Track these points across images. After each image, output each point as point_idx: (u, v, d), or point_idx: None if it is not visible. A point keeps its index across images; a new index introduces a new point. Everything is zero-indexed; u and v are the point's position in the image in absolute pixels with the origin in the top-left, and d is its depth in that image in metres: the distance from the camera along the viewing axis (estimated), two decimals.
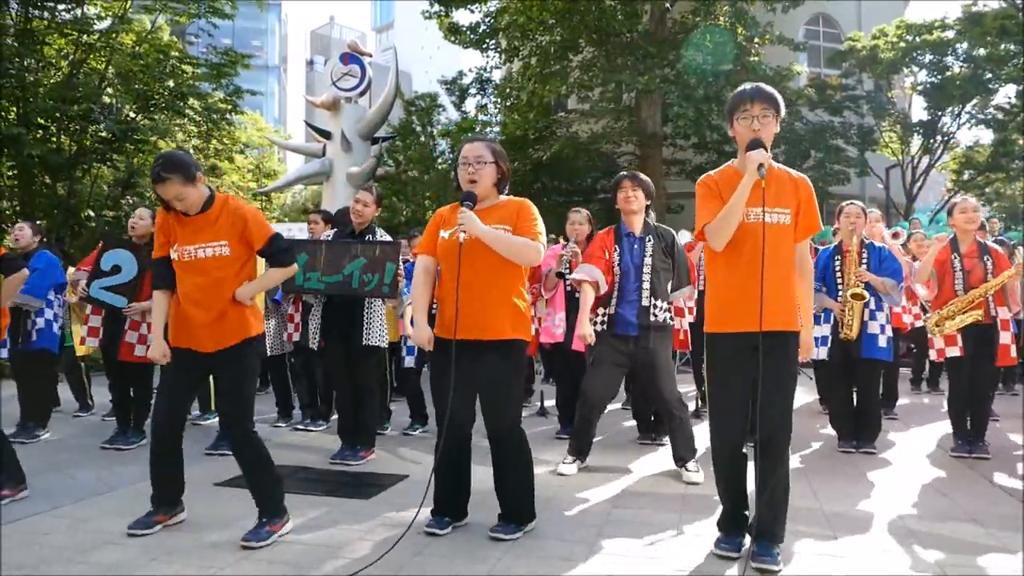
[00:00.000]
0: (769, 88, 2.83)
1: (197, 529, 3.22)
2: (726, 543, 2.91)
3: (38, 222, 6.14)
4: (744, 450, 2.93)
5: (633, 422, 5.43)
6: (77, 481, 4.11)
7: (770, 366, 2.73)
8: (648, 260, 4.21)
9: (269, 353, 5.44)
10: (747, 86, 2.86)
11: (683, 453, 4.24)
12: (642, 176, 4.37)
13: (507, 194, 3.29)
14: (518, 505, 3.19)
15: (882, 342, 4.87)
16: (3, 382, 7.04)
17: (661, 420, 5.24)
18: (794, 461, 2.90)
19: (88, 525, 3.30)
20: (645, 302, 4.16)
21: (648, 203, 4.32)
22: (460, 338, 3.03)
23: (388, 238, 4.83)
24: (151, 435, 3.28)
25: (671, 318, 4.32)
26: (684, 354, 7.83)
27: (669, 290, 4.29)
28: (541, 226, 3.14)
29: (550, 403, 6.29)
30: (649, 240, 4.24)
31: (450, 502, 3.23)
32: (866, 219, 5.12)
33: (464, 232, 2.95)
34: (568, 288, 5.40)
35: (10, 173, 12.17)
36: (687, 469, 4.17)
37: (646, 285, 4.18)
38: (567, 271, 5.33)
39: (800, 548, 3.01)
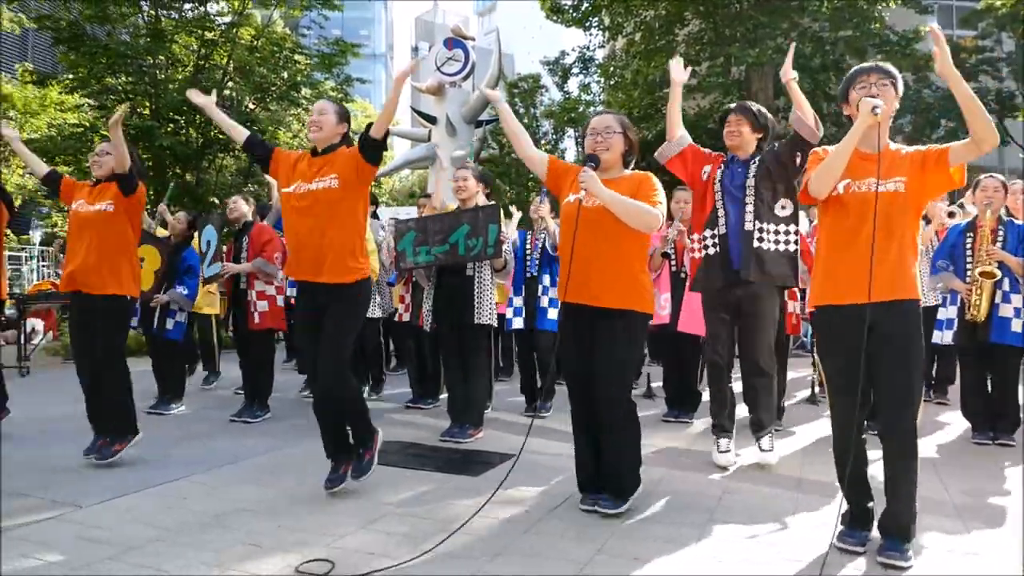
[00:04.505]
0: (886, 65, 2.83)
1: (320, 500, 3.40)
2: (850, 536, 2.78)
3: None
4: (864, 436, 2.80)
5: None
6: (210, 451, 4.43)
7: (889, 340, 2.61)
8: (751, 181, 3.85)
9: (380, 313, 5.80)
10: (863, 64, 2.86)
11: (761, 418, 3.99)
12: (752, 108, 4.02)
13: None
14: (621, 478, 3.18)
15: (1016, 326, 4.48)
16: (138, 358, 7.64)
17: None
18: (922, 452, 2.73)
19: (220, 491, 3.55)
20: (748, 226, 3.84)
21: (759, 136, 3.97)
22: (575, 302, 3.11)
23: None
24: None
25: (786, 244, 3.86)
26: (797, 338, 7.54)
27: (779, 210, 3.86)
28: (662, 196, 3.16)
29: (657, 385, 6.22)
30: (754, 162, 3.90)
31: (593, 477, 3.26)
32: (1006, 193, 4.70)
33: (585, 190, 3.00)
34: (673, 269, 5.31)
35: (146, 165, 13.15)
36: (761, 447, 4.00)
37: (749, 207, 3.85)
38: (672, 251, 5.24)
39: (929, 543, 2.85)
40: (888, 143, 2.78)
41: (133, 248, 4.22)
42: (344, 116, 3.58)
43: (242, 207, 5.64)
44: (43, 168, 4.36)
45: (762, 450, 4.01)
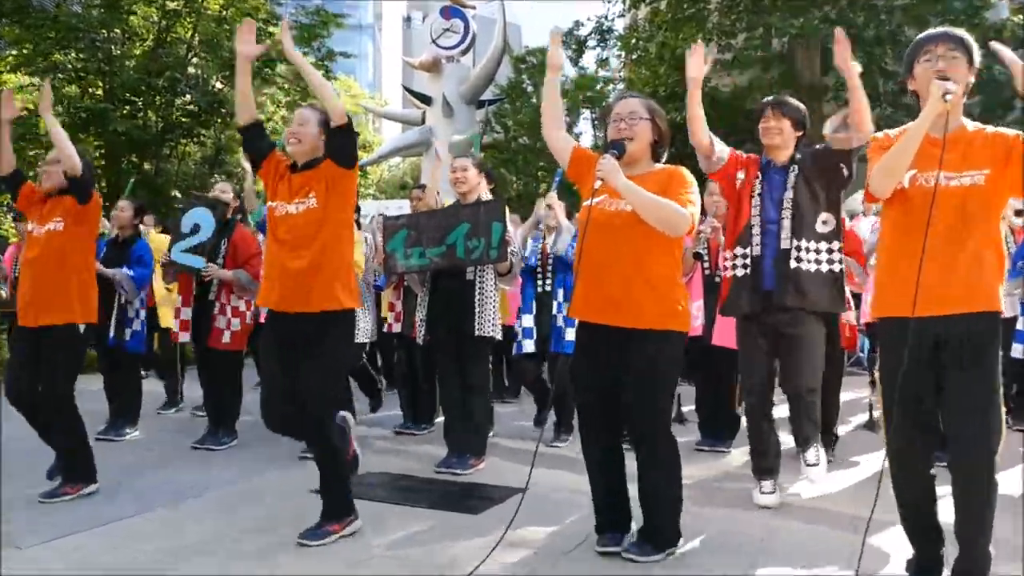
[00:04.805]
0: (957, 31, 2.72)
1: (294, 539, 3.33)
2: None
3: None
4: (932, 471, 2.74)
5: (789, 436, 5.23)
6: (168, 482, 4.40)
7: (962, 357, 2.55)
8: (789, 193, 3.82)
9: (364, 339, 5.72)
10: (929, 31, 2.78)
11: (806, 430, 4.00)
12: (791, 103, 3.99)
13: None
14: (656, 522, 3.14)
15: None
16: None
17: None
18: (1001, 488, 2.65)
19: (179, 529, 3.52)
20: (785, 244, 3.80)
21: (799, 134, 3.94)
22: (593, 322, 3.12)
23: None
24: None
25: (829, 264, 3.81)
26: (853, 354, 7.48)
27: (820, 225, 3.83)
28: (695, 195, 3.11)
29: (689, 408, 6.16)
30: (793, 170, 3.87)
31: (610, 517, 3.23)
32: None
33: (601, 180, 2.98)
34: (707, 272, 5.26)
35: (97, 153, 13.18)
36: (806, 459, 3.98)
37: (785, 223, 3.81)
38: (706, 251, 5.19)
39: None
40: (964, 123, 2.67)
41: (88, 269, 4.23)
42: (328, 124, 3.48)
43: (229, 199, 5.56)
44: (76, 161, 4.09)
45: (808, 464, 3.97)
